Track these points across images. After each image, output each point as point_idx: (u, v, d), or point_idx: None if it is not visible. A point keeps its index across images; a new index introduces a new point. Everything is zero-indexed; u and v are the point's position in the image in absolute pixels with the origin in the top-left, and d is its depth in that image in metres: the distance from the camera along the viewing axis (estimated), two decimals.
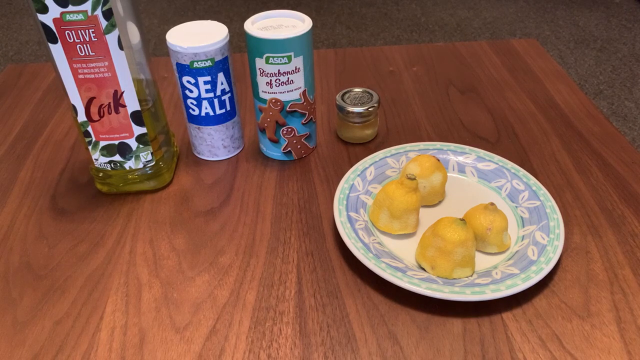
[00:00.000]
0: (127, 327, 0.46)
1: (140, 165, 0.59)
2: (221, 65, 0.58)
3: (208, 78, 0.58)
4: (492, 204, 0.51)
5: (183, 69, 0.58)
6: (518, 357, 0.43)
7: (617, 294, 0.47)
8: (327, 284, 0.49)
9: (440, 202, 0.58)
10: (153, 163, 0.59)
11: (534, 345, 0.43)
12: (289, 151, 0.64)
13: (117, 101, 0.53)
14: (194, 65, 0.57)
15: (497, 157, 0.61)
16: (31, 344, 0.45)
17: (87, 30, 0.48)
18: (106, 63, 0.50)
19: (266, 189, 0.61)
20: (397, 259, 0.50)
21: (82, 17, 0.47)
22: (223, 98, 0.61)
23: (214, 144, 0.64)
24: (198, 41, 0.56)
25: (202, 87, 0.59)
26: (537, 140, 0.68)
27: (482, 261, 0.51)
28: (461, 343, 0.44)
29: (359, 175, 0.59)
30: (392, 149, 0.62)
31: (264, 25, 0.57)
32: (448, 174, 0.61)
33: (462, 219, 0.48)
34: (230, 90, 0.61)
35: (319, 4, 2.76)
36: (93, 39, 0.48)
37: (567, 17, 2.57)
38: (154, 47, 2.38)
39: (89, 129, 0.55)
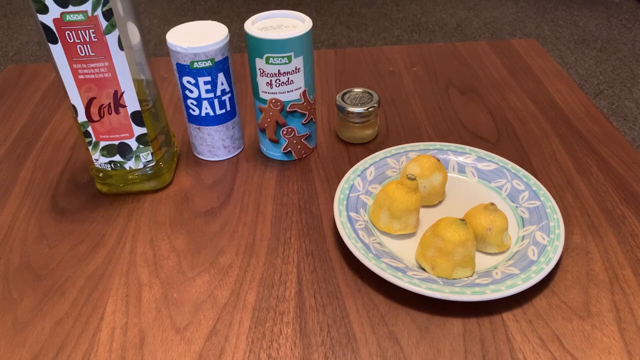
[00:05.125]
0: (128, 327, 0.46)
1: (141, 166, 0.59)
2: (221, 65, 0.58)
3: (208, 78, 0.58)
4: (492, 204, 0.51)
5: (183, 69, 0.58)
6: (518, 357, 0.43)
7: (618, 294, 0.47)
8: (327, 284, 0.49)
9: (440, 202, 0.58)
10: (153, 163, 0.59)
11: (534, 346, 0.43)
12: (289, 151, 0.64)
13: (118, 101, 0.53)
14: (194, 66, 0.57)
15: (497, 157, 0.61)
16: (31, 345, 0.45)
17: (87, 31, 0.48)
18: (106, 63, 0.50)
19: (266, 189, 0.61)
20: (397, 259, 0.50)
21: (82, 18, 0.47)
22: (223, 98, 0.61)
23: (214, 144, 0.64)
24: (198, 41, 0.56)
25: (202, 88, 0.59)
26: (537, 140, 0.68)
27: (482, 261, 0.51)
28: (461, 343, 0.44)
29: (359, 176, 0.59)
30: (392, 149, 0.62)
31: (264, 25, 0.57)
32: (448, 174, 0.61)
33: (462, 219, 0.48)
34: (231, 91, 0.61)
35: (319, 4, 2.76)
36: (93, 39, 0.48)
37: (567, 17, 2.57)
38: (154, 48, 2.38)
39: (89, 129, 0.55)
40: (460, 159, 0.62)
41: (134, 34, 0.53)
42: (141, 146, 0.57)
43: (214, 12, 2.71)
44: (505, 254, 0.51)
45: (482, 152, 0.62)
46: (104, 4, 0.47)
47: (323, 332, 0.45)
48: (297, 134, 0.63)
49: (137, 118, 0.55)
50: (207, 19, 2.63)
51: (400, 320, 0.46)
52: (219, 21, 2.61)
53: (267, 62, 0.56)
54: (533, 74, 0.83)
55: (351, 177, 0.58)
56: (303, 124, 0.62)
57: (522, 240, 0.52)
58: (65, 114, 0.77)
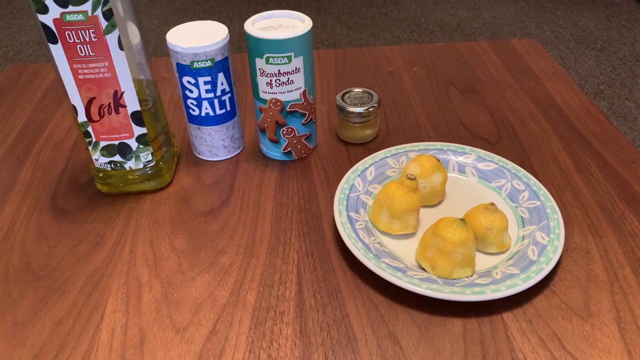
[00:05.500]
0: (128, 327, 0.46)
1: (141, 166, 0.59)
2: (221, 65, 0.58)
3: (208, 78, 0.58)
4: (492, 204, 0.51)
5: (183, 69, 0.58)
6: (518, 357, 0.43)
7: (618, 294, 0.47)
8: (327, 284, 0.49)
9: (440, 202, 0.58)
10: (153, 163, 0.59)
11: (534, 346, 0.43)
12: (289, 151, 0.64)
13: (118, 101, 0.53)
14: (194, 66, 0.57)
15: (497, 157, 0.61)
16: (31, 344, 0.45)
17: (87, 31, 0.48)
18: (106, 63, 0.50)
19: (266, 189, 0.61)
20: (397, 259, 0.50)
21: (82, 18, 0.47)
22: (223, 98, 0.61)
23: (214, 144, 0.64)
24: (198, 41, 0.56)
25: (202, 88, 0.59)
26: (537, 140, 0.68)
27: (482, 261, 0.51)
28: (461, 343, 0.44)
29: (359, 176, 0.59)
30: (392, 149, 0.62)
31: (264, 25, 0.57)
32: (448, 174, 0.61)
33: (462, 219, 0.48)
34: (231, 91, 0.61)
35: (319, 4, 2.76)
36: (93, 39, 0.49)
37: (567, 17, 2.57)
38: (154, 47, 2.38)
39: (89, 129, 0.55)
40: (460, 159, 0.62)
41: (134, 34, 0.53)
42: (141, 146, 0.57)
43: (214, 12, 2.71)
44: (505, 254, 0.51)
45: (482, 152, 0.62)
46: (104, 4, 0.47)
47: (323, 332, 0.45)
48: (297, 134, 0.63)
49: (137, 118, 0.55)
50: (207, 19, 2.63)
51: (400, 320, 0.46)
52: (219, 21, 2.61)
53: (267, 62, 0.56)
54: (533, 74, 0.83)
55: (351, 177, 0.58)
56: (303, 124, 0.62)
57: (522, 240, 0.52)
58: (65, 114, 0.77)
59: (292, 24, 0.57)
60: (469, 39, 2.39)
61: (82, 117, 0.54)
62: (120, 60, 0.50)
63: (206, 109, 0.61)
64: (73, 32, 0.48)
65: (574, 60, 2.20)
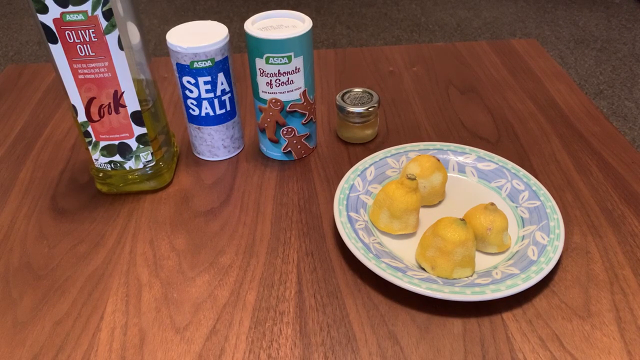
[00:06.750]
0: (127, 327, 0.46)
1: (141, 166, 0.59)
2: (221, 65, 0.58)
3: (208, 78, 0.58)
4: (492, 204, 0.51)
5: (183, 69, 0.58)
6: (518, 357, 0.43)
7: (618, 294, 0.47)
8: (327, 284, 0.49)
9: (440, 202, 0.58)
10: (153, 163, 0.59)
11: (534, 346, 0.43)
12: (289, 151, 0.64)
13: (117, 101, 0.53)
14: (194, 66, 0.57)
15: (497, 157, 0.61)
16: (31, 344, 0.45)
17: (87, 31, 0.48)
18: (106, 63, 0.50)
19: (266, 189, 0.61)
20: (397, 259, 0.50)
21: (82, 18, 0.47)
22: (223, 98, 0.61)
23: (214, 144, 0.64)
24: (198, 41, 0.56)
25: (202, 87, 0.59)
26: (537, 140, 0.68)
27: (482, 261, 0.51)
28: (461, 343, 0.44)
29: (359, 175, 0.59)
30: (392, 149, 0.62)
31: (264, 25, 0.57)
32: (448, 174, 0.61)
33: (462, 219, 0.48)
34: (230, 91, 0.61)
35: (319, 4, 2.76)
36: (93, 39, 0.49)
37: (567, 17, 2.57)
38: (154, 47, 2.38)
39: (89, 129, 0.55)
40: (460, 159, 0.62)
41: (134, 34, 0.53)
42: (141, 146, 0.57)
43: (214, 12, 2.71)
44: (505, 254, 0.51)
45: (482, 152, 0.62)
46: (104, 4, 0.47)
47: (323, 332, 0.45)
48: (297, 134, 0.63)
49: (137, 118, 0.55)
50: (207, 19, 2.63)
51: (400, 320, 0.46)
52: (219, 21, 2.61)
53: (267, 62, 0.56)
54: (533, 74, 0.83)
55: (351, 177, 0.58)
56: (303, 124, 0.62)
57: (522, 240, 0.52)
58: (65, 114, 0.77)
59: (292, 24, 0.57)
60: (469, 39, 2.39)
61: (82, 117, 0.54)
62: (120, 60, 0.50)
63: (206, 109, 0.61)
64: (73, 32, 0.48)
65: (574, 60, 2.20)
